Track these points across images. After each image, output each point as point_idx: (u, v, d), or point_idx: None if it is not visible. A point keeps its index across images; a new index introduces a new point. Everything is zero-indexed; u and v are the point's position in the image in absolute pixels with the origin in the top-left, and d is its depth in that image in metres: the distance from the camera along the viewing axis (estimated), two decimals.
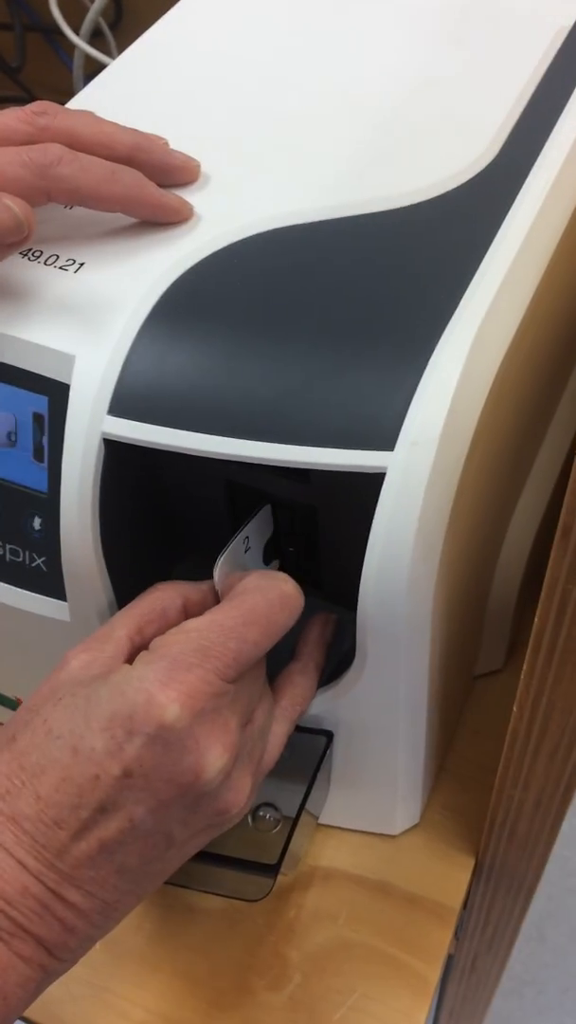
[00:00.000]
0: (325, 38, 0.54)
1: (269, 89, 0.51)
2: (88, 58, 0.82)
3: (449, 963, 0.67)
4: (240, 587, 0.39)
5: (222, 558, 0.41)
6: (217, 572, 0.40)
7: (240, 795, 0.37)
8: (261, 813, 0.50)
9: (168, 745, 0.35)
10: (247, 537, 0.42)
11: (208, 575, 0.41)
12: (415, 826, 0.53)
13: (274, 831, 0.50)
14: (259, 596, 0.39)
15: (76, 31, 0.82)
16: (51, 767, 0.34)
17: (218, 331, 0.40)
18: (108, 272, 0.42)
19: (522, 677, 0.37)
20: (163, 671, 0.35)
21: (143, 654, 0.37)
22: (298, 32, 0.55)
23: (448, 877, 0.52)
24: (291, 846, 0.47)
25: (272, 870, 0.44)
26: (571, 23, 0.54)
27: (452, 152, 0.46)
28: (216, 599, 0.41)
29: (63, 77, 0.91)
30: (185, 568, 0.49)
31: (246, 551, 0.43)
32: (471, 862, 0.52)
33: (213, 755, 0.35)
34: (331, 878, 0.52)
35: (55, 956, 0.34)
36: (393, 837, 0.53)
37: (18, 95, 0.93)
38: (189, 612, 0.40)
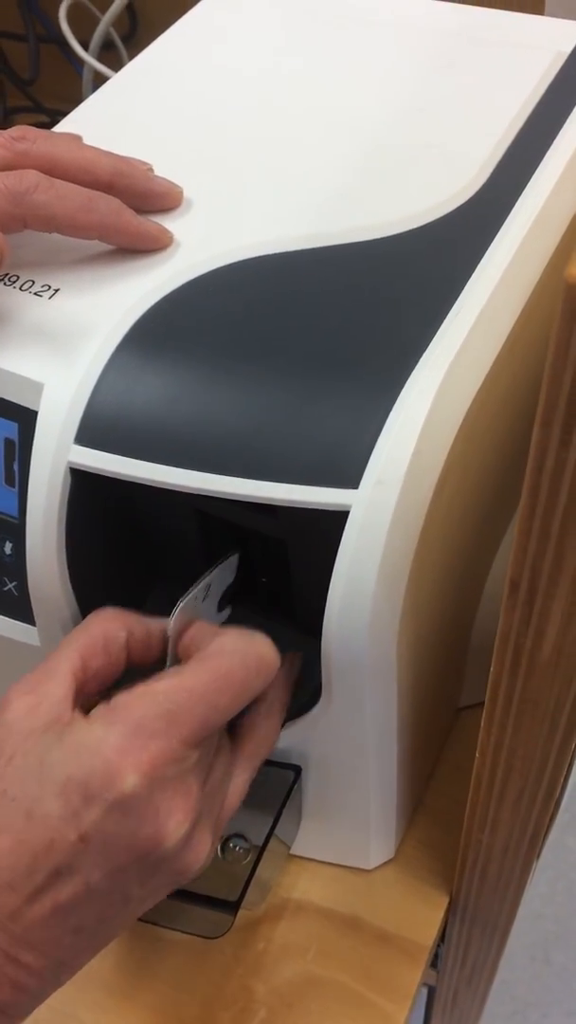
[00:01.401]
0: (317, 61, 0.54)
1: (259, 112, 0.50)
2: (98, 72, 0.82)
3: (432, 994, 0.66)
4: (216, 646, 0.38)
5: (180, 606, 0.40)
6: (174, 619, 0.40)
7: (200, 854, 0.37)
8: (231, 844, 0.49)
9: (126, 813, 0.34)
10: (209, 585, 0.42)
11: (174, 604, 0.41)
12: (390, 861, 0.52)
13: (244, 862, 0.49)
14: (236, 660, 0.37)
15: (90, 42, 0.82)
16: (4, 830, 0.33)
17: (189, 362, 0.40)
18: (83, 299, 0.42)
19: (482, 725, 0.36)
20: (124, 737, 0.34)
21: (102, 711, 0.36)
22: (292, 53, 0.54)
23: (421, 915, 0.51)
24: (260, 876, 0.47)
25: (232, 907, 0.43)
26: (570, 49, 0.53)
27: (437, 182, 0.46)
28: (163, 643, 0.40)
29: (79, 88, 0.91)
30: (157, 594, 0.49)
31: (204, 598, 0.42)
32: (445, 900, 0.51)
33: (173, 823, 0.35)
34: (302, 911, 0.51)
35: (4, 1013, 0.34)
36: (367, 871, 0.52)
37: (29, 107, 0.93)
38: (131, 648, 0.40)
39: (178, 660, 0.40)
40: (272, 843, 0.47)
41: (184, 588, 0.48)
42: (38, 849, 0.33)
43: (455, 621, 0.50)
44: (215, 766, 0.38)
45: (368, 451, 0.37)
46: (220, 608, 0.44)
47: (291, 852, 0.52)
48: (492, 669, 0.34)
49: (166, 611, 0.47)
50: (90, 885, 0.34)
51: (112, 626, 0.39)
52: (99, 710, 0.36)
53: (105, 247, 0.44)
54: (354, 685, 0.41)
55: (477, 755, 0.38)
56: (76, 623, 0.44)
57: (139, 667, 0.40)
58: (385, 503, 0.36)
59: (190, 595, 0.40)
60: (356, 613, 0.38)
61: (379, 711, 0.43)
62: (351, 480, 0.37)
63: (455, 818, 0.54)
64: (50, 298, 0.42)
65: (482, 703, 0.58)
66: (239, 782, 0.40)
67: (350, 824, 0.50)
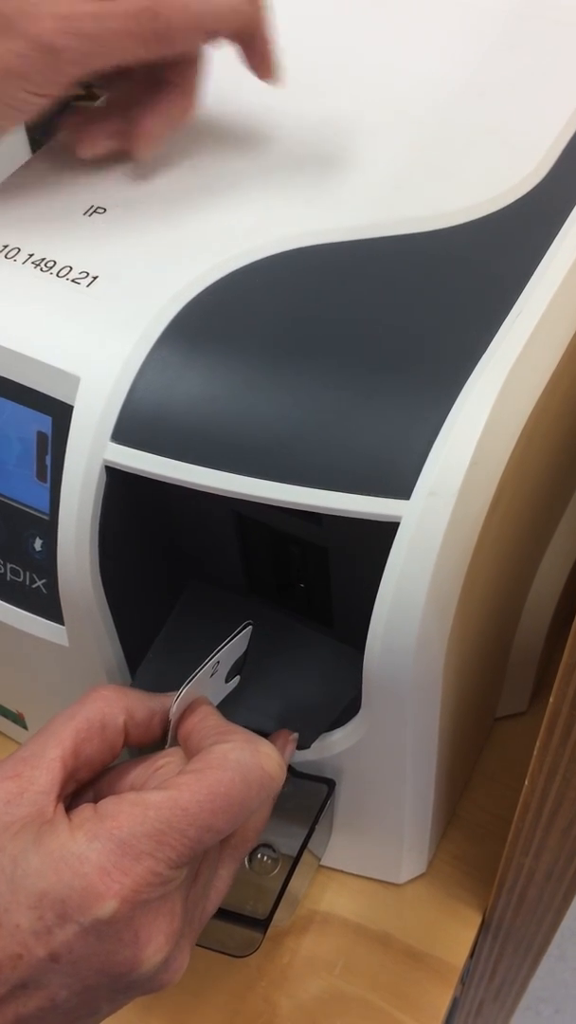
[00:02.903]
0: (370, 40, 0.51)
1: (309, 93, 0.48)
2: None
3: (455, 1005, 0.64)
4: (218, 756, 0.34)
5: (186, 689, 0.37)
6: (176, 705, 0.37)
7: (177, 973, 0.34)
8: (259, 855, 0.48)
9: (103, 937, 0.31)
10: (218, 662, 0.39)
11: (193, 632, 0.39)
12: (421, 875, 0.51)
13: (272, 873, 0.48)
14: (237, 777, 0.34)
15: None
16: None
17: (232, 357, 0.38)
18: (122, 287, 0.40)
19: (535, 753, 0.35)
20: (107, 855, 0.31)
21: (88, 817, 0.33)
22: (343, 31, 0.52)
23: (452, 933, 0.49)
24: (290, 888, 0.45)
25: (261, 925, 0.41)
26: None
27: (497, 170, 0.43)
28: (164, 726, 0.38)
29: None
30: (191, 594, 0.47)
31: (212, 675, 0.40)
32: (478, 918, 0.49)
33: (152, 948, 0.32)
34: (329, 924, 0.50)
35: None
36: (398, 886, 0.50)
37: None
38: (129, 734, 0.37)
39: (178, 743, 0.38)
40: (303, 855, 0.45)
41: (216, 591, 0.46)
42: (3, 961, 0.31)
43: (499, 631, 0.48)
44: (201, 871, 0.35)
45: (422, 459, 0.35)
46: (228, 678, 0.42)
47: (320, 864, 0.51)
48: (552, 700, 0.32)
49: (198, 617, 0.45)
50: (56, 1001, 0.32)
51: (111, 709, 0.37)
52: (84, 813, 0.33)
53: (146, 232, 0.42)
54: (396, 703, 0.39)
55: (527, 781, 0.36)
56: (106, 624, 0.42)
57: (138, 748, 0.38)
58: (438, 516, 0.34)
59: (195, 677, 0.38)
60: (403, 632, 0.36)
61: (420, 728, 0.41)
62: (402, 490, 0.35)
63: (489, 832, 0.52)
64: (88, 286, 0.40)
65: (518, 713, 0.56)
66: (223, 876, 0.37)
67: (382, 838, 0.48)
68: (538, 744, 0.34)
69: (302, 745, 0.42)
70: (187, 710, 0.39)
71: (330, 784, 0.44)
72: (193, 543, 0.45)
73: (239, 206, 0.43)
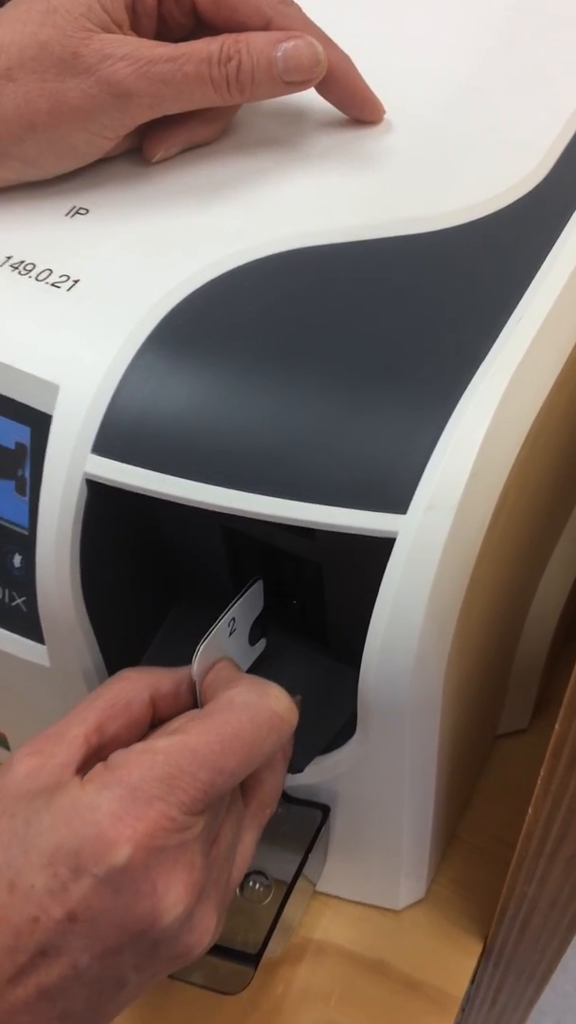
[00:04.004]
0: (366, 34, 0.49)
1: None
2: None
3: None
4: (224, 700, 0.34)
5: (203, 645, 0.36)
6: (196, 662, 0.36)
7: (204, 935, 0.33)
8: (250, 882, 0.46)
9: (119, 889, 0.30)
10: (233, 619, 0.38)
11: (192, 636, 0.37)
12: (420, 901, 0.49)
13: (265, 902, 0.46)
14: (245, 717, 0.33)
15: None
16: None
17: (221, 365, 0.36)
18: (105, 291, 0.38)
19: (540, 780, 0.33)
20: (118, 802, 0.30)
21: (98, 771, 0.32)
22: (339, 26, 0.50)
23: (453, 961, 0.47)
24: (284, 916, 0.43)
25: (252, 960, 0.40)
26: None
27: (496, 170, 0.42)
28: (192, 692, 0.37)
29: None
30: (179, 612, 0.45)
31: (231, 634, 0.38)
32: (479, 946, 0.48)
33: (171, 899, 0.31)
34: (324, 953, 0.48)
35: None
36: (395, 912, 0.49)
37: None
38: (158, 707, 0.36)
39: None
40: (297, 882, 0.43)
41: (206, 609, 0.44)
42: (21, 926, 0.30)
43: (500, 647, 0.46)
44: (223, 832, 0.34)
45: (419, 472, 0.33)
46: (253, 640, 0.41)
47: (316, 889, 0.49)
48: (558, 727, 0.30)
49: (187, 636, 0.43)
50: (78, 968, 0.30)
51: (135, 685, 0.36)
52: (96, 770, 0.32)
53: (129, 233, 0.40)
54: (394, 725, 0.37)
55: (530, 810, 0.34)
56: (89, 644, 0.40)
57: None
58: (437, 531, 0.32)
59: (211, 634, 0.37)
60: (401, 652, 0.34)
61: (419, 750, 0.39)
62: (399, 504, 0.33)
63: (490, 854, 0.50)
64: (68, 290, 0.38)
65: (520, 731, 0.55)
66: (247, 843, 0.36)
67: (379, 863, 0.46)
68: (543, 772, 0.32)
69: (295, 769, 0.40)
70: (209, 670, 0.37)
71: (324, 810, 0.42)
72: (180, 558, 0.43)
73: (229, 207, 0.41)
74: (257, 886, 0.46)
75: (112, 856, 0.30)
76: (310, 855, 0.42)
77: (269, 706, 0.34)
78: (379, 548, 0.33)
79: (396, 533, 0.33)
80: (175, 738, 0.32)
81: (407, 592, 0.33)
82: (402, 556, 0.33)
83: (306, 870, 0.44)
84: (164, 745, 0.32)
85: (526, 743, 0.54)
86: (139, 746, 0.33)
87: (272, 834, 0.39)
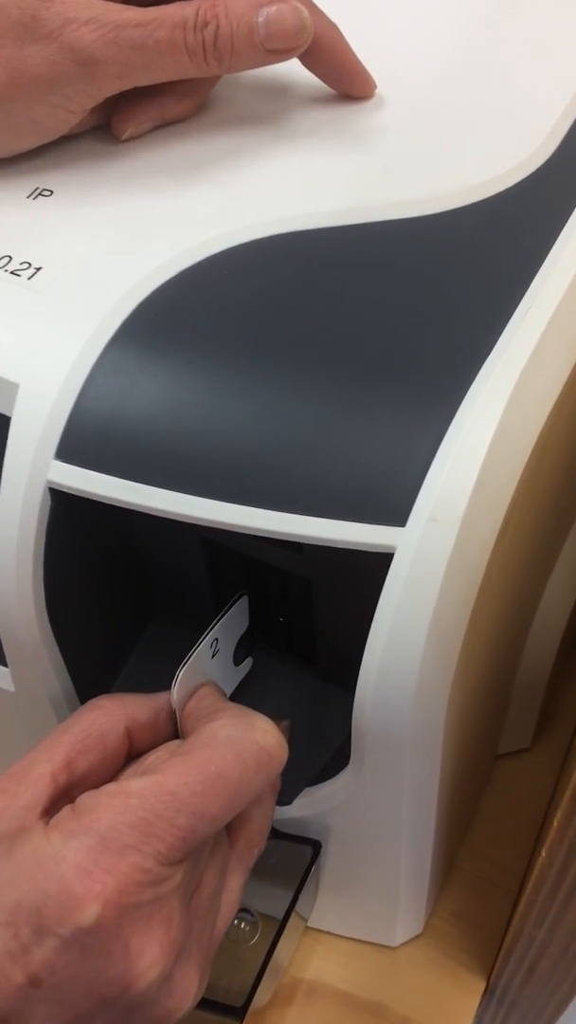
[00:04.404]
0: (360, 6, 0.46)
1: (285, 64, 0.43)
2: None
3: None
4: (206, 735, 0.31)
5: (183, 670, 0.33)
6: (176, 689, 0.33)
7: (184, 998, 0.29)
8: (235, 921, 0.42)
9: (88, 951, 0.27)
10: (216, 639, 0.35)
11: (172, 659, 0.33)
12: (418, 936, 0.46)
13: (252, 942, 0.42)
14: (229, 754, 0.30)
15: None
16: None
17: (198, 361, 0.32)
18: (70, 280, 0.34)
19: (556, 824, 0.29)
20: (86, 852, 0.27)
21: (65, 816, 0.29)
22: None
23: (453, 1001, 0.44)
24: (273, 957, 0.40)
25: (238, 1013, 0.36)
26: None
27: (498, 148, 0.38)
28: (173, 720, 0.33)
29: None
30: (156, 629, 0.41)
31: (213, 655, 0.35)
32: (481, 984, 0.44)
33: (147, 961, 0.28)
34: (316, 994, 0.44)
35: None
36: (391, 948, 0.45)
37: None
38: (135, 739, 0.33)
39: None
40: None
41: (185, 625, 0.41)
42: None
43: (503, 663, 0.43)
44: (205, 879, 0.31)
45: (419, 479, 0.29)
46: (238, 660, 0.37)
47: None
48: None
49: (164, 656, 0.40)
50: None
51: (110, 718, 0.32)
52: (62, 815, 0.29)
53: (98, 215, 0.36)
54: (391, 756, 0.34)
55: (544, 853, 0.31)
56: (55, 666, 0.37)
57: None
58: (439, 545, 0.29)
59: (192, 656, 0.33)
60: (400, 679, 0.30)
61: (418, 782, 0.36)
62: (397, 515, 0.29)
63: (492, 884, 0.47)
64: (30, 278, 0.34)
65: (522, 750, 0.51)
66: (233, 888, 0.33)
67: (374, 899, 0.43)
68: (559, 814, 0.29)
69: (283, 801, 0.37)
70: (191, 696, 0.34)
71: (315, 846, 0.39)
72: (157, 572, 0.40)
73: (206, 188, 0.37)
74: (243, 925, 0.43)
75: (79, 915, 0.27)
76: (300, 893, 0.39)
77: (256, 741, 0.31)
78: (375, 563, 0.30)
79: (394, 548, 0.29)
80: (150, 779, 0.29)
81: (407, 612, 0.30)
82: (401, 572, 0.29)
83: (297, 907, 0.40)
84: (138, 787, 0.29)
85: (529, 763, 0.51)
86: (110, 788, 0.29)
87: (258, 868, 0.36)
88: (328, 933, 0.45)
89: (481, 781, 0.49)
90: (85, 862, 0.27)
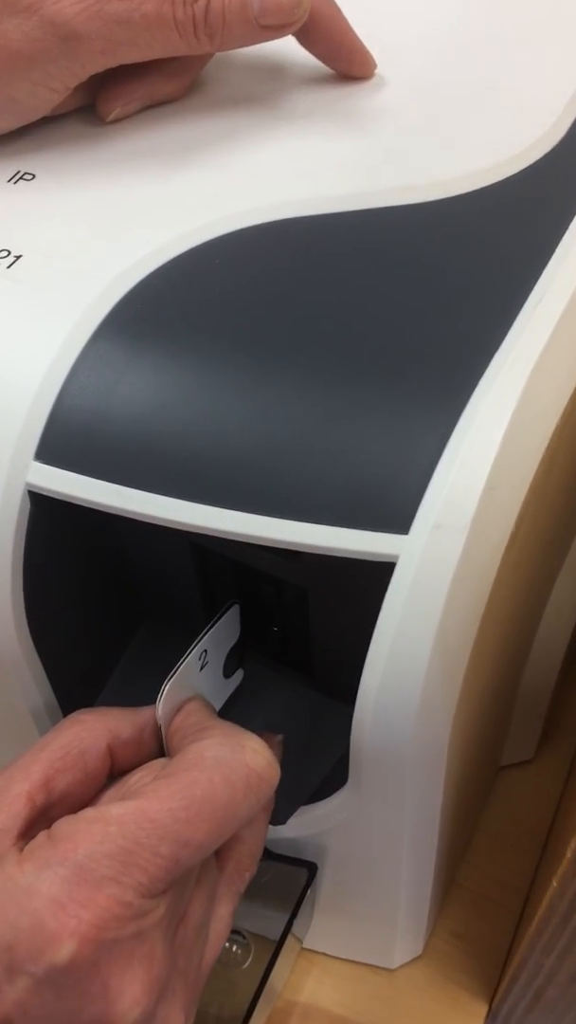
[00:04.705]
0: None
1: (281, 42, 0.40)
2: None
3: None
4: (193, 755, 0.29)
5: (169, 683, 0.31)
6: (162, 703, 0.31)
7: None
8: (227, 944, 0.40)
9: (62, 991, 0.25)
10: (204, 651, 0.33)
11: (157, 674, 0.31)
12: (417, 957, 0.44)
13: (244, 965, 0.40)
14: (217, 776, 0.28)
15: None
16: None
17: (187, 356, 0.30)
18: (52, 268, 0.32)
19: (569, 855, 0.27)
20: (61, 884, 0.25)
21: (40, 844, 0.27)
22: None
23: None
24: (270, 979, 0.38)
25: None
26: None
27: (505, 131, 0.36)
28: (158, 736, 0.31)
29: None
30: (144, 638, 0.39)
31: (202, 668, 0.33)
32: (483, 1008, 0.42)
33: (127, 1001, 0.26)
34: (311, 1018, 0.42)
35: None
36: (390, 970, 0.43)
37: None
38: (117, 756, 0.31)
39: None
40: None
41: (174, 633, 0.39)
42: None
43: (507, 674, 0.41)
44: (192, 908, 0.29)
45: (423, 483, 0.27)
46: (228, 672, 0.35)
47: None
48: None
49: (152, 666, 0.38)
50: None
51: (90, 734, 0.30)
52: (37, 842, 0.27)
53: (82, 201, 0.34)
54: (392, 776, 0.32)
55: (555, 883, 0.29)
56: (37, 679, 0.35)
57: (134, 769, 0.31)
58: (445, 554, 0.27)
59: (179, 669, 0.31)
60: (402, 694, 0.28)
61: (421, 802, 0.34)
62: (399, 522, 0.27)
63: (494, 902, 0.45)
64: (9, 267, 0.32)
65: (525, 762, 0.50)
66: (222, 915, 0.31)
67: (373, 920, 0.41)
68: (573, 845, 0.27)
69: (277, 820, 0.35)
70: (177, 711, 0.32)
71: (311, 868, 0.37)
72: (144, 579, 0.38)
73: (197, 172, 0.35)
74: (234, 948, 0.41)
75: (52, 952, 0.25)
76: (295, 917, 0.37)
77: (245, 762, 0.29)
78: (376, 573, 0.28)
79: (397, 557, 0.27)
80: (131, 804, 0.27)
81: (410, 625, 0.28)
82: (404, 583, 0.27)
83: (292, 929, 0.38)
84: (118, 813, 0.27)
85: (532, 775, 0.49)
86: (89, 813, 0.27)
87: (251, 888, 0.34)
88: (324, 954, 0.44)
89: (483, 794, 0.47)
90: (60, 895, 0.25)
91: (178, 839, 0.26)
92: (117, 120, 0.37)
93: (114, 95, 0.36)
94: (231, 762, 0.28)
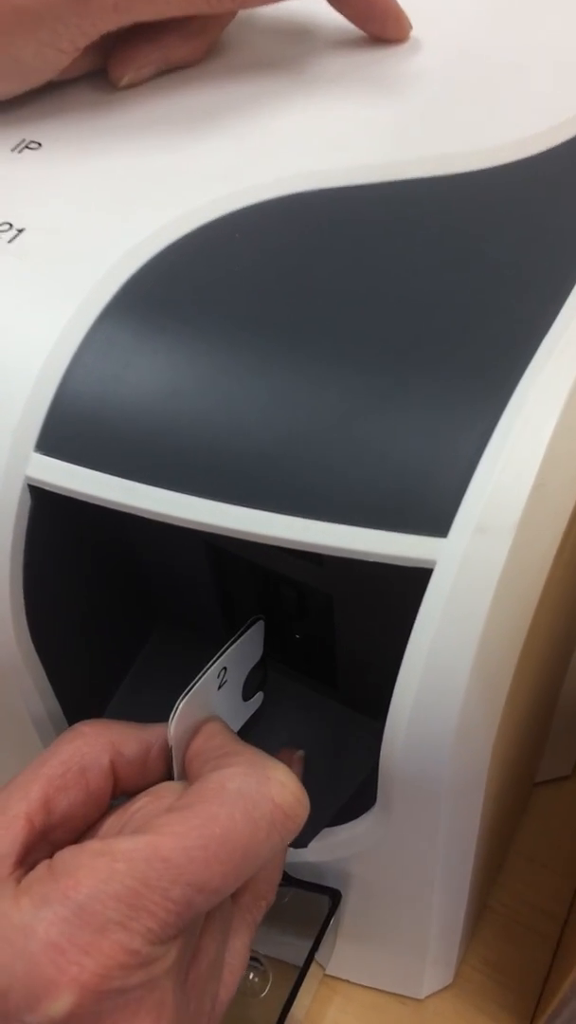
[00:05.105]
0: None
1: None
2: None
3: None
4: (214, 786, 0.26)
5: (183, 702, 0.28)
6: (174, 723, 0.28)
7: None
8: None
9: None
10: (224, 668, 0.30)
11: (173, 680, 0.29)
12: (447, 987, 0.41)
13: (262, 994, 0.38)
14: (238, 813, 0.25)
15: None
16: None
17: (202, 339, 0.28)
18: (56, 244, 0.30)
19: None
20: (61, 927, 0.23)
21: (40, 876, 0.24)
22: None
23: None
24: (292, 1009, 0.35)
25: None
26: None
27: (551, 96, 0.33)
28: (166, 758, 0.29)
29: None
30: (156, 646, 0.37)
31: (220, 687, 0.30)
32: None
33: None
34: None
35: None
36: (417, 1000, 0.41)
37: None
38: (120, 776, 0.28)
39: (186, 777, 0.29)
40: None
41: (189, 639, 0.36)
42: None
43: (548, 687, 0.38)
44: (204, 945, 0.26)
45: (463, 481, 0.25)
46: (248, 695, 0.32)
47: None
48: None
49: (164, 676, 0.35)
50: None
51: (92, 748, 0.28)
52: (37, 874, 0.24)
53: (94, 173, 0.32)
54: (426, 802, 0.29)
55: None
56: (40, 689, 0.32)
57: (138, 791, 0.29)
58: (488, 560, 0.24)
59: (195, 687, 0.28)
60: (439, 714, 0.26)
61: (456, 829, 0.31)
62: (437, 524, 0.25)
63: (530, 928, 0.42)
64: (10, 241, 0.30)
65: (562, 778, 0.47)
66: (237, 949, 0.28)
67: (400, 948, 0.38)
68: None
69: (298, 843, 0.32)
70: (195, 732, 0.29)
71: (334, 896, 0.34)
72: (156, 581, 0.35)
73: (215, 141, 0.33)
74: (251, 976, 0.38)
75: (49, 1003, 0.22)
76: (318, 946, 0.34)
77: (271, 797, 0.26)
78: (410, 579, 0.25)
79: (434, 562, 0.25)
80: (142, 839, 0.24)
81: (448, 639, 0.25)
82: (442, 592, 0.25)
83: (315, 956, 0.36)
84: (126, 849, 0.24)
85: (570, 791, 0.46)
86: (94, 846, 0.25)
87: (268, 912, 0.31)
88: (347, 982, 0.41)
89: (518, 812, 0.45)
90: (59, 938, 0.23)
91: (192, 882, 0.24)
92: (130, 86, 0.34)
93: (127, 58, 0.34)
94: (255, 796, 0.26)
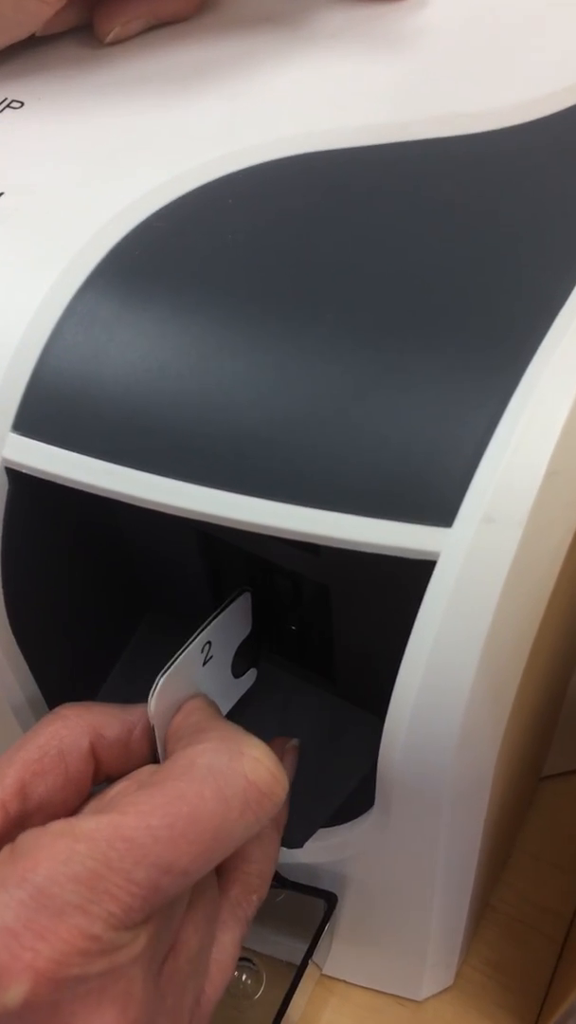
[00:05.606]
0: None
1: None
2: None
3: None
4: (183, 762, 0.24)
5: (164, 677, 0.27)
6: (154, 700, 0.27)
7: None
8: (235, 972, 0.36)
9: None
10: (208, 643, 0.28)
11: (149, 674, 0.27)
12: (447, 988, 0.39)
13: (256, 996, 0.36)
14: (208, 789, 0.24)
15: None
16: None
17: (192, 312, 0.26)
18: (37, 207, 0.28)
19: None
20: (16, 910, 0.21)
21: (2, 857, 0.23)
22: None
23: None
24: (287, 1011, 0.34)
25: None
26: None
27: (564, 56, 0.31)
28: (149, 739, 0.27)
29: None
30: (148, 627, 0.35)
31: (205, 662, 0.28)
32: None
33: None
34: None
35: None
36: (416, 1002, 0.39)
37: None
38: (102, 760, 0.27)
39: None
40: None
41: (181, 628, 0.34)
42: None
43: (556, 680, 0.36)
44: (184, 936, 0.25)
45: (470, 467, 0.23)
46: (238, 671, 0.31)
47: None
48: None
49: (157, 662, 0.34)
50: None
51: (71, 731, 0.26)
52: (1, 855, 0.23)
53: (79, 133, 0.30)
54: (426, 804, 0.27)
55: None
56: (21, 679, 0.31)
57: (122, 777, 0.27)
58: (496, 552, 0.22)
59: (176, 662, 0.27)
60: (441, 714, 0.24)
61: (458, 832, 0.29)
62: (441, 513, 0.23)
63: (533, 928, 0.41)
64: None
65: (568, 772, 0.45)
66: (226, 945, 0.27)
67: (399, 950, 0.37)
68: None
69: (291, 843, 0.31)
70: (178, 710, 0.28)
71: (330, 899, 0.33)
72: (146, 567, 0.33)
73: (208, 99, 0.31)
74: (243, 977, 0.37)
75: (2, 992, 0.21)
76: (312, 953, 0.33)
77: (244, 774, 0.24)
78: (412, 571, 0.23)
79: (438, 554, 0.23)
80: (104, 818, 0.23)
81: (453, 634, 0.23)
82: (446, 585, 0.23)
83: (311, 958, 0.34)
84: (88, 828, 0.23)
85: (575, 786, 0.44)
86: (56, 826, 0.23)
87: (260, 909, 0.30)
88: (343, 982, 0.39)
89: (523, 808, 0.43)
90: (13, 922, 0.21)
91: (158, 863, 0.22)
92: (117, 41, 0.32)
93: (114, 12, 0.32)
94: (226, 773, 0.24)
